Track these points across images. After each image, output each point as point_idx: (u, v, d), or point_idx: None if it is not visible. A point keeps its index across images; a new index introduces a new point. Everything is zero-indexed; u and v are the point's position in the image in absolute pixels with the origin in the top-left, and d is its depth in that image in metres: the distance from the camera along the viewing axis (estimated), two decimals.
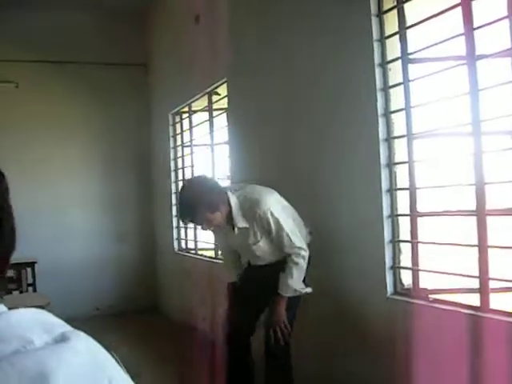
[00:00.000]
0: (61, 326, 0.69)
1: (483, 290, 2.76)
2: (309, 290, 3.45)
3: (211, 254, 5.96)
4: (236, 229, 3.42)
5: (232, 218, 3.37)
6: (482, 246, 2.75)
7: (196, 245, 6.41)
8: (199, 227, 3.60)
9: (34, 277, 6.49)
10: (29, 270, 6.47)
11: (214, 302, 4.91)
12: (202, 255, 6.22)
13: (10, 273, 6.28)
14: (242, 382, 3.66)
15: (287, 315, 3.40)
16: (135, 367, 4.64)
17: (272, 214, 3.32)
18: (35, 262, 6.47)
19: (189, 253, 6.61)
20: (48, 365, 0.61)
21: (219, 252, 4.23)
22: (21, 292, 6.14)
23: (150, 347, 5.71)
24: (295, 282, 3.36)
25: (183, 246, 6.89)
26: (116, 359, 1.93)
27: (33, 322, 0.67)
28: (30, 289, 6.41)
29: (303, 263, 3.37)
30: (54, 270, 6.93)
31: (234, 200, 3.37)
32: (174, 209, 6.95)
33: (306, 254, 3.36)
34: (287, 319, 3.40)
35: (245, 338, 3.63)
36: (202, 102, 6.14)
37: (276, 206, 3.37)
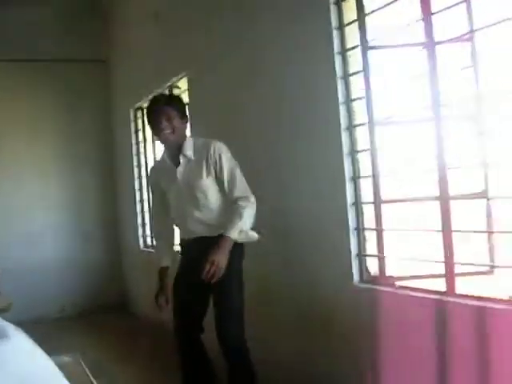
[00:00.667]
0: None
1: (449, 275, 2.77)
2: (256, 235, 3.36)
3: (177, 249, 5.89)
4: (181, 159, 3.33)
5: (180, 152, 3.33)
6: (447, 231, 2.75)
7: None
8: (159, 130, 3.29)
9: None
10: None
11: None
12: None
13: None
14: (197, 379, 3.52)
15: (233, 268, 3.24)
16: (102, 367, 4.58)
17: (226, 153, 3.32)
18: None
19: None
20: None
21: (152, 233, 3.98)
22: None
23: (117, 346, 5.65)
24: (244, 223, 3.23)
25: (149, 242, 6.80)
26: (79, 361, 1.88)
27: None
28: None
29: (254, 209, 3.27)
30: (17, 272, 6.79)
31: (189, 136, 3.44)
32: (139, 206, 6.88)
33: (255, 203, 3.29)
34: (234, 273, 3.26)
35: (191, 331, 3.46)
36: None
37: (230, 155, 3.35)
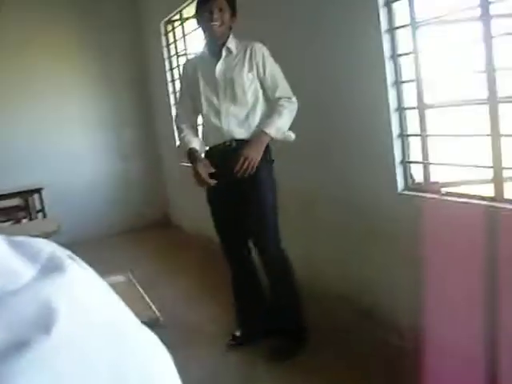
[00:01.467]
0: (42, 248, 0.62)
1: (497, 180, 2.70)
2: (293, 136, 3.33)
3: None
4: (224, 53, 3.28)
5: (223, 46, 3.29)
6: (495, 135, 2.66)
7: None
8: (209, 20, 3.19)
9: (42, 203, 6.47)
10: (36, 196, 6.44)
11: None
12: None
13: (17, 201, 6.27)
14: (247, 292, 3.59)
15: (268, 199, 3.26)
16: (152, 281, 4.71)
17: (269, 55, 3.29)
18: (41, 189, 6.43)
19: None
20: (46, 301, 0.54)
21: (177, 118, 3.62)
22: (30, 219, 6.13)
23: (165, 260, 5.78)
24: (283, 122, 3.23)
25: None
26: (131, 279, 1.91)
27: (13, 251, 0.59)
28: (40, 215, 6.41)
29: (294, 110, 3.26)
30: (62, 195, 6.91)
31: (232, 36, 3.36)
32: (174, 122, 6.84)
33: (296, 104, 3.28)
34: (269, 203, 3.27)
35: (237, 247, 3.51)
36: (193, 8, 5.88)
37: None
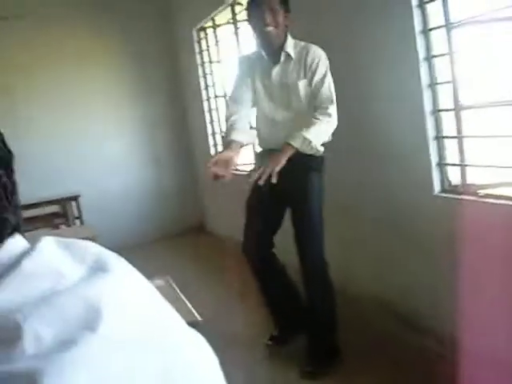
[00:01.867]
0: (89, 250, 0.63)
1: None
2: (321, 149, 3.16)
3: (251, 168, 5.92)
4: (282, 57, 3.13)
5: (281, 49, 3.12)
6: None
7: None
8: (262, 25, 3.05)
9: (79, 210, 6.58)
10: (73, 204, 6.55)
11: None
12: (243, 170, 6.19)
13: (56, 208, 6.38)
14: (278, 292, 3.50)
15: (314, 209, 3.17)
16: (190, 288, 4.73)
17: (325, 60, 3.11)
18: (79, 196, 6.55)
19: None
20: (93, 301, 0.55)
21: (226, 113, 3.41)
22: (68, 226, 6.23)
23: (201, 266, 5.81)
24: (313, 136, 3.02)
25: None
26: (171, 284, 1.92)
27: (61, 253, 0.61)
28: (77, 222, 6.51)
29: (330, 122, 3.07)
30: (98, 202, 7.02)
31: (290, 36, 3.19)
32: (210, 127, 6.89)
33: (334, 117, 3.09)
34: (316, 213, 3.18)
35: (261, 249, 3.39)
36: (226, 15, 5.94)
37: (327, 63, 3.15)
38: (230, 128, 3.21)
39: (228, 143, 3.15)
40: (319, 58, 3.09)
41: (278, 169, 2.89)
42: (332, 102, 3.09)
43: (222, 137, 3.68)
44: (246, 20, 3.26)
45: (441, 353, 3.12)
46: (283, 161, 2.94)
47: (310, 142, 3.03)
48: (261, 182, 2.87)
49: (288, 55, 3.13)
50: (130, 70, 7.38)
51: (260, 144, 3.43)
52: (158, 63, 7.52)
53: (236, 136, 3.14)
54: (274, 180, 2.87)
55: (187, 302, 1.58)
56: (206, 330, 0.68)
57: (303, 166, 3.13)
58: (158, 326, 0.60)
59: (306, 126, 3.02)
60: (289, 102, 3.17)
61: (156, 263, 5.76)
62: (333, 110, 3.09)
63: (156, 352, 0.57)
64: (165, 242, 7.15)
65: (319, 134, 3.06)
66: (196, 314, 1.80)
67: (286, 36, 3.13)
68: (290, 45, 3.14)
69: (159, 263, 5.79)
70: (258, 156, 3.43)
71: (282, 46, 3.12)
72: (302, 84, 3.12)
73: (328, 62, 3.14)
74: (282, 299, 3.52)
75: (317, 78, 3.09)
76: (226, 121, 3.30)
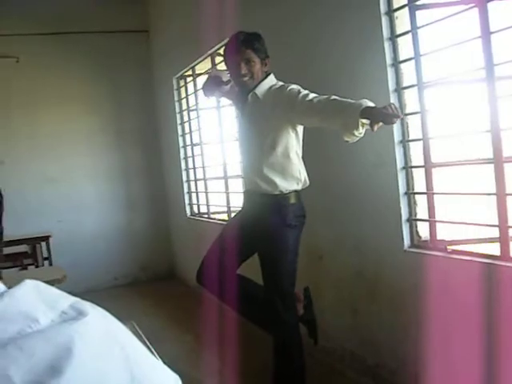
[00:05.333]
0: (64, 298, 0.64)
1: (503, 239, 2.71)
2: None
3: (224, 216, 5.95)
4: (250, 98, 3.09)
5: (257, 85, 3.09)
6: (501, 194, 2.69)
7: (208, 209, 6.39)
8: (236, 76, 3.08)
9: (48, 251, 6.50)
10: (43, 244, 6.47)
11: None
12: (214, 219, 6.21)
13: (25, 248, 6.29)
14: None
15: (289, 249, 3.08)
16: (156, 335, 4.67)
17: (294, 87, 2.97)
18: (49, 236, 6.48)
19: (202, 217, 6.59)
20: (63, 344, 0.55)
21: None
22: (36, 266, 6.15)
23: (169, 313, 5.75)
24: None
25: (195, 210, 6.86)
26: (136, 329, 1.90)
27: (35, 298, 0.61)
28: (46, 263, 6.42)
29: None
30: (68, 243, 6.97)
31: (271, 76, 3.15)
32: (185, 174, 6.92)
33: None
34: (289, 252, 3.08)
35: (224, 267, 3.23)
36: (206, 65, 6.04)
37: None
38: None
39: None
40: (292, 86, 2.99)
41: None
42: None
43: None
44: (225, 66, 3.27)
45: None
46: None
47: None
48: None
49: (256, 96, 3.10)
50: (108, 115, 7.44)
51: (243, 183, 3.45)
52: (137, 110, 7.59)
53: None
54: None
55: (151, 347, 1.56)
56: None
57: (280, 221, 3.09)
58: (129, 371, 0.60)
59: (337, 99, 2.71)
60: (257, 141, 3.13)
61: (124, 308, 5.69)
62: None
63: None
64: (134, 287, 7.08)
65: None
66: (158, 358, 1.78)
67: (263, 79, 3.11)
68: (263, 86, 3.10)
69: (128, 308, 5.72)
70: (244, 193, 3.42)
71: (253, 88, 3.11)
72: (267, 124, 3.05)
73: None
74: (256, 306, 3.30)
75: (295, 91, 2.94)
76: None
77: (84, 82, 7.29)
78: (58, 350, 0.55)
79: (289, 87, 2.99)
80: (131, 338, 0.66)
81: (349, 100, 2.65)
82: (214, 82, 3.29)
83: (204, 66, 6.12)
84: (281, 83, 3.13)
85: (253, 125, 3.15)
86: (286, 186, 3.09)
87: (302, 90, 2.94)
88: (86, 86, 7.32)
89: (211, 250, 3.36)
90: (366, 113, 2.49)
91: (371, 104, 2.56)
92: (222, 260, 3.24)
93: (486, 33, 2.66)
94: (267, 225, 3.09)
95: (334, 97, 2.73)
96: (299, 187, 3.14)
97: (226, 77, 3.24)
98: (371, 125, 2.49)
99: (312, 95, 2.85)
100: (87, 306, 0.63)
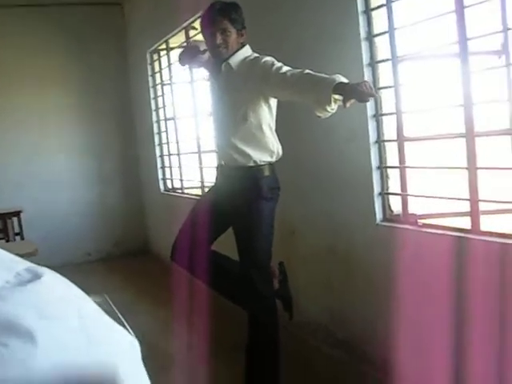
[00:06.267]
0: (20, 262, 0.63)
1: (473, 212, 2.74)
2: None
3: (197, 192, 5.93)
4: (223, 68, 3.05)
5: (232, 56, 3.05)
6: (472, 168, 2.72)
7: (182, 184, 6.37)
8: (212, 46, 3.03)
9: (20, 226, 6.43)
10: (15, 219, 6.40)
11: None
12: (188, 194, 6.19)
13: None
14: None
15: (264, 221, 3.07)
16: (128, 308, 4.67)
17: (268, 60, 2.92)
18: (20, 211, 6.41)
19: (175, 192, 6.57)
20: (17, 304, 0.55)
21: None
22: (7, 241, 6.08)
23: (141, 287, 5.74)
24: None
25: (169, 186, 6.84)
26: (108, 302, 1.89)
27: None
28: (18, 238, 6.36)
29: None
30: (41, 219, 6.92)
31: (247, 47, 3.11)
32: (158, 149, 6.88)
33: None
34: (262, 236, 3.06)
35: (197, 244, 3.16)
36: (180, 38, 5.98)
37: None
38: None
39: None
40: (266, 59, 2.95)
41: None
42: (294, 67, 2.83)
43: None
44: (201, 34, 3.23)
45: (375, 377, 3.16)
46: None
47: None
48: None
49: (230, 67, 3.07)
50: (81, 90, 7.35)
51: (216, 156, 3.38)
52: (110, 84, 7.51)
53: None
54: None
55: (122, 318, 1.56)
56: (142, 349, 0.68)
57: (255, 194, 3.07)
58: (83, 332, 0.60)
59: (312, 74, 2.67)
60: (230, 113, 3.10)
61: (97, 283, 5.68)
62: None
63: (80, 356, 0.57)
64: (107, 263, 7.06)
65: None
66: (130, 331, 1.78)
67: (238, 50, 3.07)
68: (237, 57, 3.07)
69: (100, 283, 5.71)
70: (217, 167, 3.38)
71: (228, 58, 3.07)
72: (239, 95, 3.02)
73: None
74: (231, 281, 3.28)
75: (269, 64, 2.90)
76: None
77: (56, 56, 7.18)
78: (13, 309, 0.54)
79: (263, 59, 2.96)
80: (87, 301, 0.66)
81: (323, 75, 2.62)
82: (190, 52, 3.27)
83: (178, 39, 6.05)
84: (255, 55, 3.10)
85: (226, 96, 3.12)
86: (259, 157, 3.07)
87: (276, 62, 2.91)
88: (58, 60, 7.21)
89: (184, 226, 3.33)
90: (339, 89, 2.47)
91: (345, 80, 2.53)
92: (195, 236, 3.22)
93: (460, 7, 2.67)
94: (242, 198, 3.07)
95: (307, 71, 2.70)
96: (273, 159, 3.12)
97: (203, 46, 3.20)
98: (344, 101, 2.48)
99: (286, 68, 2.83)
100: (44, 269, 0.62)
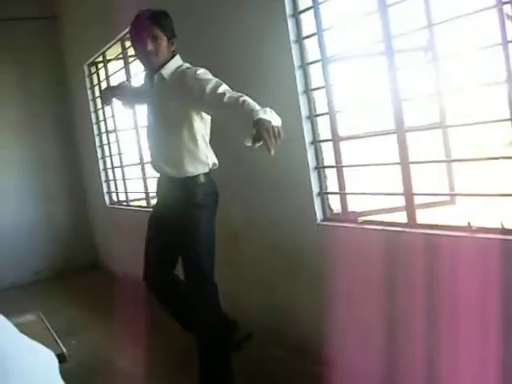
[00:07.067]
0: None
1: (409, 206, 2.80)
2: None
3: (143, 203, 5.89)
4: (156, 79, 3.01)
5: (162, 66, 3.00)
6: (404, 163, 2.77)
7: (127, 196, 6.31)
8: (142, 52, 2.99)
9: None
10: None
11: None
12: (133, 206, 6.14)
13: None
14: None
15: (200, 242, 2.99)
16: (79, 325, 4.61)
17: (206, 73, 2.87)
18: None
19: (121, 205, 6.51)
20: None
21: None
22: None
23: (92, 304, 5.65)
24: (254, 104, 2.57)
25: (114, 198, 6.76)
26: (42, 319, 1.86)
27: None
28: None
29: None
30: None
31: (177, 57, 3.06)
32: (101, 163, 6.81)
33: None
34: (202, 246, 3.00)
35: (164, 273, 3.19)
36: (116, 50, 5.93)
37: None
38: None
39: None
40: (193, 72, 2.89)
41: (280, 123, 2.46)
42: (226, 88, 2.76)
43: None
44: (130, 44, 3.18)
45: (320, 372, 3.17)
46: (274, 117, 2.45)
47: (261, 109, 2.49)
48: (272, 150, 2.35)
49: (162, 78, 3.03)
50: (20, 105, 7.20)
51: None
52: (49, 99, 7.37)
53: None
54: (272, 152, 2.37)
55: (54, 335, 1.54)
56: (73, 363, 0.67)
57: (189, 202, 3.02)
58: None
59: (240, 99, 2.60)
60: (165, 128, 3.05)
61: (45, 302, 5.58)
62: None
63: None
64: (56, 280, 6.93)
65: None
66: (62, 346, 1.75)
67: (170, 59, 3.04)
68: (169, 68, 3.02)
69: (48, 302, 5.60)
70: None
71: (160, 68, 3.03)
72: (172, 106, 2.98)
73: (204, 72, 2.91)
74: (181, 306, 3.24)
75: (193, 81, 2.86)
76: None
77: None
78: None
79: (197, 71, 2.90)
80: (7, 331, 0.65)
81: (252, 107, 2.50)
82: (108, 90, 3.52)
83: (115, 51, 5.99)
84: (187, 65, 3.06)
85: (159, 108, 3.08)
86: (192, 170, 3.02)
87: (210, 77, 2.85)
88: None
89: (145, 251, 3.26)
90: (255, 126, 2.38)
91: (269, 116, 2.41)
92: (155, 261, 3.20)
93: (383, 6, 2.72)
94: (177, 209, 3.02)
95: (243, 98, 2.59)
96: (206, 170, 3.07)
97: (122, 88, 3.45)
98: (252, 142, 2.40)
99: (222, 88, 2.73)
100: None
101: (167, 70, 3.03)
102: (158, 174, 3.28)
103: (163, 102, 3.04)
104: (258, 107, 2.49)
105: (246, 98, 2.59)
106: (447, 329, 2.55)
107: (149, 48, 2.95)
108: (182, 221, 3.01)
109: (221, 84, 2.76)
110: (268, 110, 2.45)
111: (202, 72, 2.90)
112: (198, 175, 3.04)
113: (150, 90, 3.14)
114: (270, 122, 2.35)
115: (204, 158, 3.05)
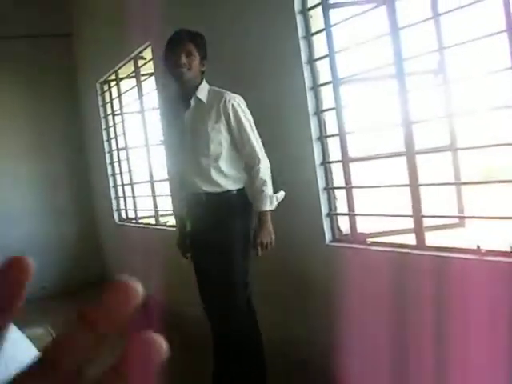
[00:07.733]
0: None
1: (418, 228, 2.80)
2: (283, 193, 3.14)
3: (152, 221, 5.91)
4: (193, 102, 3.09)
5: (195, 89, 3.08)
6: (413, 185, 2.78)
7: (136, 214, 6.33)
8: (176, 65, 3.05)
9: None
10: None
11: (157, 268, 4.86)
12: (142, 223, 6.16)
13: None
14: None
15: (235, 250, 3.11)
16: None
17: (240, 105, 3.04)
18: None
19: (130, 223, 6.53)
20: None
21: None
22: None
23: None
24: (269, 189, 3.04)
25: (124, 216, 6.78)
26: (51, 333, 1.86)
27: None
28: None
29: (267, 169, 3.06)
30: None
31: (205, 81, 3.15)
32: (111, 180, 6.84)
33: (266, 166, 3.07)
34: (237, 255, 3.12)
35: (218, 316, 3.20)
36: (129, 69, 5.99)
37: (247, 110, 3.08)
38: (180, 202, 3.44)
39: (179, 221, 3.55)
40: (234, 103, 3.04)
41: (273, 237, 3.13)
42: (257, 152, 3.06)
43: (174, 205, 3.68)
44: (163, 62, 3.20)
45: None
46: (270, 230, 3.11)
47: (271, 196, 3.05)
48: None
49: (199, 100, 3.09)
50: (31, 123, 7.25)
51: (183, 189, 3.34)
52: (62, 116, 7.42)
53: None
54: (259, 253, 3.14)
55: None
56: None
57: (225, 213, 3.08)
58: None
59: (258, 186, 3.04)
60: (198, 147, 3.09)
61: (54, 317, 5.57)
62: (260, 158, 3.07)
63: None
64: (64, 295, 6.92)
65: (270, 185, 3.07)
66: None
67: (200, 81, 3.11)
68: (204, 90, 3.10)
69: (57, 317, 5.60)
70: (186, 201, 3.34)
71: (194, 91, 3.10)
72: (212, 128, 3.05)
73: (245, 105, 3.08)
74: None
75: (235, 131, 3.05)
76: (171, 184, 3.49)
77: (4, 88, 7.10)
78: None
79: (235, 107, 3.03)
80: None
81: (266, 191, 3.04)
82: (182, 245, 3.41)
83: (127, 69, 6.05)
84: (216, 88, 3.13)
85: (197, 129, 3.10)
86: (231, 186, 3.09)
87: (248, 127, 3.05)
88: (6, 93, 7.12)
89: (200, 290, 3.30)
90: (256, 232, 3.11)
91: (273, 206, 3.08)
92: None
93: (395, 29, 2.75)
94: (215, 219, 3.08)
95: (264, 178, 3.04)
96: (242, 185, 3.13)
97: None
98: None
99: (258, 147, 3.06)
100: None
101: (203, 92, 3.10)
102: (186, 194, 3.28)
103: (202, 123, 3.07)
104: (266, 198, 3.04)
105: (267, 185, 3.05)
106: (457, 351, 2.53)
107: (182, 61, 3.01)
108: (221, 233, 3.09)
109: (256, 145, 3.06)
110: (275, 198, 3.07)
111: (237, 102, 3.05)
112: (239, 189, 3.12)
113: (185, 112, 3.15)
114: (268, 234, 3.09)
115: (241, 174, 3.13)
